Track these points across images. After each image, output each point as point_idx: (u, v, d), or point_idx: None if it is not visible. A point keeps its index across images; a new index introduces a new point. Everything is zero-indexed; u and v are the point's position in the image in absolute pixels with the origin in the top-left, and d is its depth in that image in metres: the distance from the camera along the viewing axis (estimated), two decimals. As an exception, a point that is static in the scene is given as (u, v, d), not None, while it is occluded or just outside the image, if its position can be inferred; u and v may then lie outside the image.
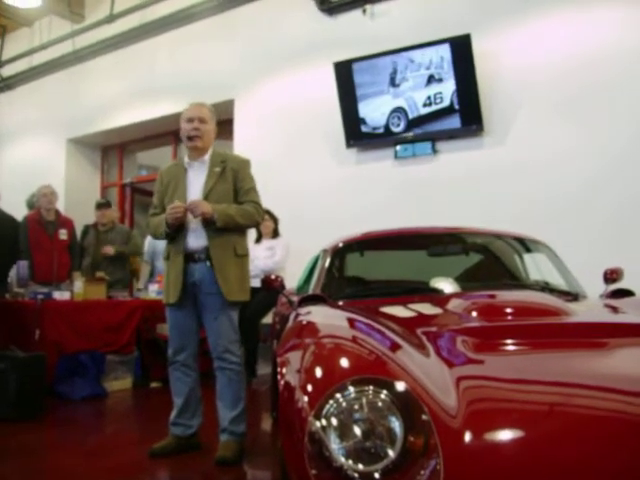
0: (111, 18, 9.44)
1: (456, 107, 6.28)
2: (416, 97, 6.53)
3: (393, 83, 6.63)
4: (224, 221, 3.34)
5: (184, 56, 8.81)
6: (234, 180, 3.50)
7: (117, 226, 6.86)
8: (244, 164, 3.60)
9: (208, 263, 3.39)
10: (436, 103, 6.41)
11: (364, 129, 6.86)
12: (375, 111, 6.76)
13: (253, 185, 3.58)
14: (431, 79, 6.40)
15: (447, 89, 6.31)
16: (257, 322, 6.04)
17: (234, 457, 3.36)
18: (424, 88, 6.46)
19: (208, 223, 3.35)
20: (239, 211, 3.42)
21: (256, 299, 5.97)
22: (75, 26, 10.02)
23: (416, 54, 6.44)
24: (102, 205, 6.78)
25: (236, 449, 3.41)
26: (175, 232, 3.41)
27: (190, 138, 3.46)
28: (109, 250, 6.42)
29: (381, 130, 6.79)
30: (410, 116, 6.58)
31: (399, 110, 6.63)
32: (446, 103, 6.35)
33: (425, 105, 6.48)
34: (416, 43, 6.42)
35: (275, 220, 6.43)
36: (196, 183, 3.47)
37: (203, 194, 3.41)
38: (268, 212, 6.36)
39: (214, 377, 3.54)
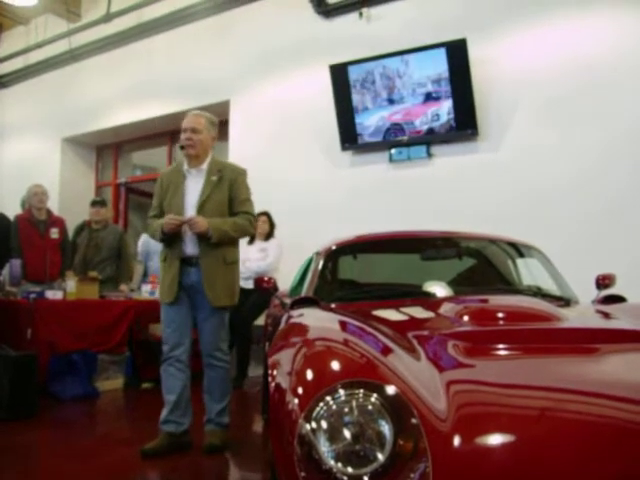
0: (108, 17, 9.43)
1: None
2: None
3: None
4: (219, 237, 3.52)
5: (180, 57, 8.81)
6: (230, 189, 3.64)
7: (110, 226, 6.82)
8: (241, 174, 3.73)
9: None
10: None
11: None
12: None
13: (248, 196, 3.73)
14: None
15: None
16: (250, 324, 6.03)
17: (222, 443, 3.61)
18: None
19: (203, 237, 3.52)
20: (233, 226, 3.60)
21: (249, 301, 5.98)
22: (71, 25, 10.01)
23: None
24: (97, 203, 6.73)
25: (222, 436, 3.66)
26: (169, 238, 3.58)
27: (182, 147, 3.62)
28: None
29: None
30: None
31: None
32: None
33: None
34: (412, 47, 6.44)
35: (272, 224, 6.41)
36: (193, 190, 3.63)
37: (199, 202, 3.58)
38: (267, 215, 6.35)
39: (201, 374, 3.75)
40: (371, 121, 6.80)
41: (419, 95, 6.48)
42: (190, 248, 3.59)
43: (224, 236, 3.55)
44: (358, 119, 6.86)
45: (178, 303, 3.62)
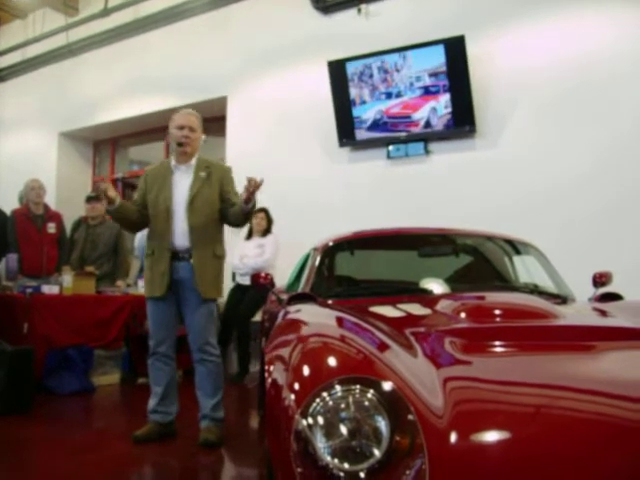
0: (105, 12, 9.41)
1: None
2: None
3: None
4: (253, 207, 3.58)
5: (177, 52, 8.78)
6: (220, 185, 3.74)
7: (107, 221, 6.78)
8: (227, 171, 3.88)
9: (192, 261, 3.64)
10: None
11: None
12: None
13: (236, 189, 3.82)
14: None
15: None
16: (248, 320, 6.03)
17: (217, 439, 3.61)
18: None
19: (246, 202, 3.48)
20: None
21: (246, 297, 5.98)
22: (69, 19, 9.97)
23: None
24: (92, 198, 6.66)
25: (218, 432, 3.66)
26: (111, 206, 3.58)
27: (180, 144, 3.71)
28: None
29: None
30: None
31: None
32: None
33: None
34: (410, 44, 6.43)
35: (269, 220, 6.41)
36: (182, 185, 3.73)
37: (189, 196, 3.67)
38: (265, 211, 6.35)
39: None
40: (369, 114, 6.79)
41: (417, 89, 6.47)
42: (180, 241, 3.65)
43: (254, 207, 3.59)
44: (355, 112, 6.85)
45: (165, 298, 3.67)
